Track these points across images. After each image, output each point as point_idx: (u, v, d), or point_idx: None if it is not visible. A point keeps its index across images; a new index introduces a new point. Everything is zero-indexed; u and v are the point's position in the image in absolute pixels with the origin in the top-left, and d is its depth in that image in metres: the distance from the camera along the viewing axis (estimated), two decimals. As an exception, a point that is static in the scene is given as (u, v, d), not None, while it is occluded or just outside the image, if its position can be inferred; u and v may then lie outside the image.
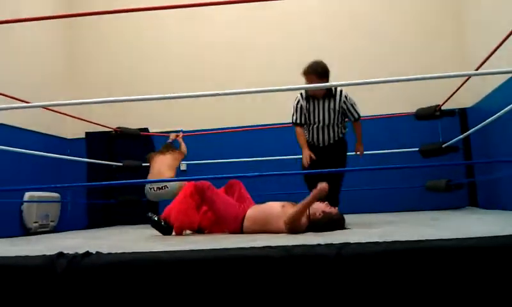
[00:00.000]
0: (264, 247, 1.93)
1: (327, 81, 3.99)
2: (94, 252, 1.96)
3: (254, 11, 6.70)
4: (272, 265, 1.83)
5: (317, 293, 1.79)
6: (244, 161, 5.83)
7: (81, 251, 1.96)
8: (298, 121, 4.20)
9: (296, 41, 6.64)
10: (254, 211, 3.47)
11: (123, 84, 6.87)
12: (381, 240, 1.92)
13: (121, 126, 6.06)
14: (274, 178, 6.26)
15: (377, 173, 6.05)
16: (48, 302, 1.86)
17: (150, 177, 5.21)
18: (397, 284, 1.78)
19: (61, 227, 6.07)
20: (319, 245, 1.89)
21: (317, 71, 3.95)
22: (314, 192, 3.23)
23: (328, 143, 4.20)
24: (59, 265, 1.88)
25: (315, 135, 4.21)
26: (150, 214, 3.75)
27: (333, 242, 1.91)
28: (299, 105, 4.18)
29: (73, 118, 5.42)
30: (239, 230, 3.44)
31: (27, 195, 5.65)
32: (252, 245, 1.97)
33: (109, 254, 1.97)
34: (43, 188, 5.77)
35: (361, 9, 6.64)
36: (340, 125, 4.20)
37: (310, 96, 4.11)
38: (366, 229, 3.09)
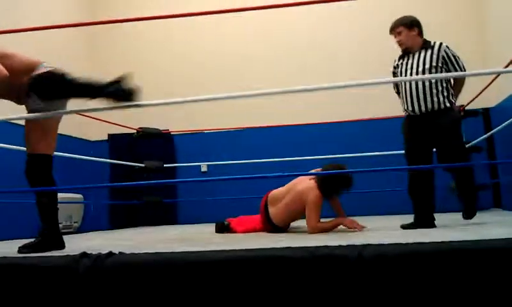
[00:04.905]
0: (285, 247, 1.93)
1: (419, 32, 3.49)
2: (117, 253, 1.99)
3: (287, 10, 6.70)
4: (294, 266, 1.83)
5: (339, 294, 1.78)
6: (267, 161, 5.81)
7: (104, 251, 2.00)
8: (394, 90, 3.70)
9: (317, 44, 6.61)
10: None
11: (146, 85, 6.92)
12: (403, 242, 1.91)
13: (142, 126, 6.11)
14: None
15: (396, 174, 5.99)
16: (72, 301, 1.90)
17: None
18: (419, 285, 1.76)
19: (84, 228, 6.15)
20: (340, 246, 1.88)
21: (403, 22, 3.48)
22: (346, 221, 3.46)
23: (429, 111, 3.38)
24: (82, 265, 1.92)
25: (409, 100, 3.44)
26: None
27: (355, 243, 1.91)
28: (392, 70, 3.66)
29: (96, 120, 5.49)
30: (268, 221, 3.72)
31: (52, 196, 5.73)
32: (273, 246, 1.98)
33: (132, 254, 2.00)
34: (67, 190, 5.85)
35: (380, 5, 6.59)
36: (443, 87, 3.39)
37: (404, 52, 3.55)
38: (388, 231, 3.08)
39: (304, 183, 3.58)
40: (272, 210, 3.73)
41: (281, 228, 3.75)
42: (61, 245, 2.69)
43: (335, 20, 6.78)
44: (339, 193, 3.65)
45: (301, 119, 6.17)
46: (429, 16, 6.51)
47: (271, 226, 3.73)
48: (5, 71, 2.52)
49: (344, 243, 1.92)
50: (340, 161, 4.33)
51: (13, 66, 2.60)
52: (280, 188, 3.82)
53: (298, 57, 6.82)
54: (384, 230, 3.19)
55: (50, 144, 2.82)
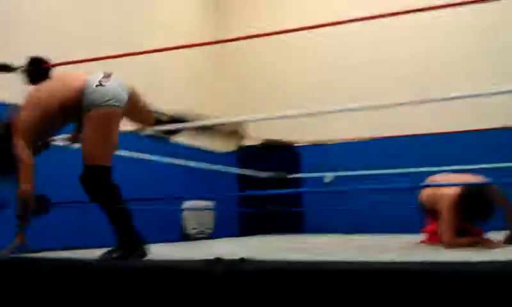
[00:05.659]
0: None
1: None
2: (249, 259, 2.07)
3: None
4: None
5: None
6: (392, 172, 5.63)
7: (237, 257, 2.08)
8: None
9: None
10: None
11: (272, 96, 7.13)
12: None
13: (268, 138, 6.28)
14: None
15: None
16: (207, 305, 2.00)
17: None
18: None
19: (216, 234, 6.48)
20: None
21: None
22: (487, 242, 3.17)
23: None
24: (217, 269, 2.01)
25: None
26: None
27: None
28: None
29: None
30: None
31: (187, 204, 6.14)
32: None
33: (262, 261, 2.06)
34: (201, 198, 6.24)
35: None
36: None
37: None
38: None
39: (446, 190, 3.35)
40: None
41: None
42: (144, 254, 2.61)
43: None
44: (474, 220, 3.36)
45: (427, 129, 5.88)
46: None
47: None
48: (27, 161, 2.55)
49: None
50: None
51: (58, 98, 2.60)
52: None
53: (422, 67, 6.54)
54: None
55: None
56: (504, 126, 5.54)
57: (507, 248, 2.97)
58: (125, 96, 2.62)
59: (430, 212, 3.59)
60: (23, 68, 2.84)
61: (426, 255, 2.42)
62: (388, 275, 1.81)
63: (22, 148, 2.55)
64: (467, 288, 1.69)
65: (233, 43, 7.34)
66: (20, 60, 2.89)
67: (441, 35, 6.54)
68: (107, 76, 2.61)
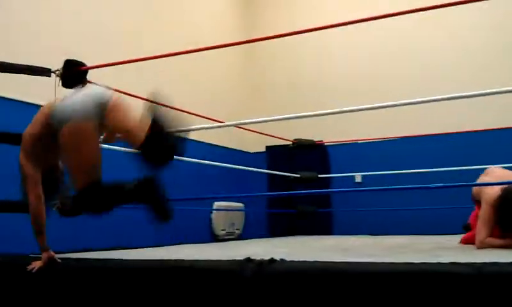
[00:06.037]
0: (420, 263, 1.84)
1: None
2: (279, 259, 2.07)
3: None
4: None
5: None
6: (420, 172, 5.55)
7: (266, 258, 2.09)
8: None
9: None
10: None
11: (298, 95, 7.13)
12: None
13: (298, 138, 6.27)
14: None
15: None
16: (237, 305, 2.01)
17: None
18: None
19: (245, 235, 6.50)
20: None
21: None
22: None
23: None
24: (248, 269, 2.03)
25: None
26: None
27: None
28: None
29: (254, 133, 5.77)
30: None
31: (216, 204, 6.18)
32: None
33: (292, 261, 2.07)
34: (230, 198, 6.27)
35: None
36: None
37: None
38: None
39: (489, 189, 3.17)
40: None
41: None
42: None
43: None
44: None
45: (456, 128, 5.75)
46: None
47: None
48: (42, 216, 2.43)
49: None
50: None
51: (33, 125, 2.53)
52: None
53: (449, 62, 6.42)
54: None
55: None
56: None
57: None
58: (90, 109, 2.37)
59: (479, 205, 3.42)
60: (58, 72, 2.87)
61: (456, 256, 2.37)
62: (430, 276, 1.79)
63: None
64: (491, 289, 1.66)
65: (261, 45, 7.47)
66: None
67: (464, 31, 6.42)
68: (76, 91, 2.51)
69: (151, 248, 3.69)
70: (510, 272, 1.67)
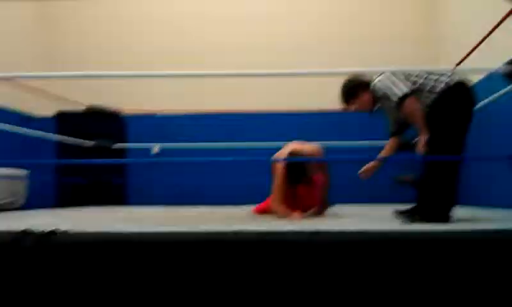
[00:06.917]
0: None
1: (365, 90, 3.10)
2: (61, 231, 1.92)
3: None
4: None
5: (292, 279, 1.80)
6: (224, 147, 5.75)
7: (48, 229, 1.92)
8: None
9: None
10: None
11: (98, 62, 6.73)
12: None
13: (92, 104, 5.92)
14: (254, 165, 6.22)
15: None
16: (15, 278, 1.83)
17: None
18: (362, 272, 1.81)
19: (28, 205, 5.95)
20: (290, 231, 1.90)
21: (346, 97, 3.19)
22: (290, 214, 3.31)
23: None
24: (25, 242, 1.84)
25: None
26: None
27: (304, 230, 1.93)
28: None
29: (44, 96, 5.29)
30: None
31: (-5, 171, 5.51)
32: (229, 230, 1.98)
33: (76, 233, 1.94)
34: (10, 165, 5.65)
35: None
36: None
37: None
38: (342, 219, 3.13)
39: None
40: None
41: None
42: None
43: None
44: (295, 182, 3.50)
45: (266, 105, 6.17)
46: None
47: None
48: None
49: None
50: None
51: None
52: None
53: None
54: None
55: None
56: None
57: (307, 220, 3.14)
58: None
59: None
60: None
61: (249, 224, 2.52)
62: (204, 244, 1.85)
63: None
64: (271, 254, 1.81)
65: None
66: None
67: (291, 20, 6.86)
68: None
69: None
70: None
